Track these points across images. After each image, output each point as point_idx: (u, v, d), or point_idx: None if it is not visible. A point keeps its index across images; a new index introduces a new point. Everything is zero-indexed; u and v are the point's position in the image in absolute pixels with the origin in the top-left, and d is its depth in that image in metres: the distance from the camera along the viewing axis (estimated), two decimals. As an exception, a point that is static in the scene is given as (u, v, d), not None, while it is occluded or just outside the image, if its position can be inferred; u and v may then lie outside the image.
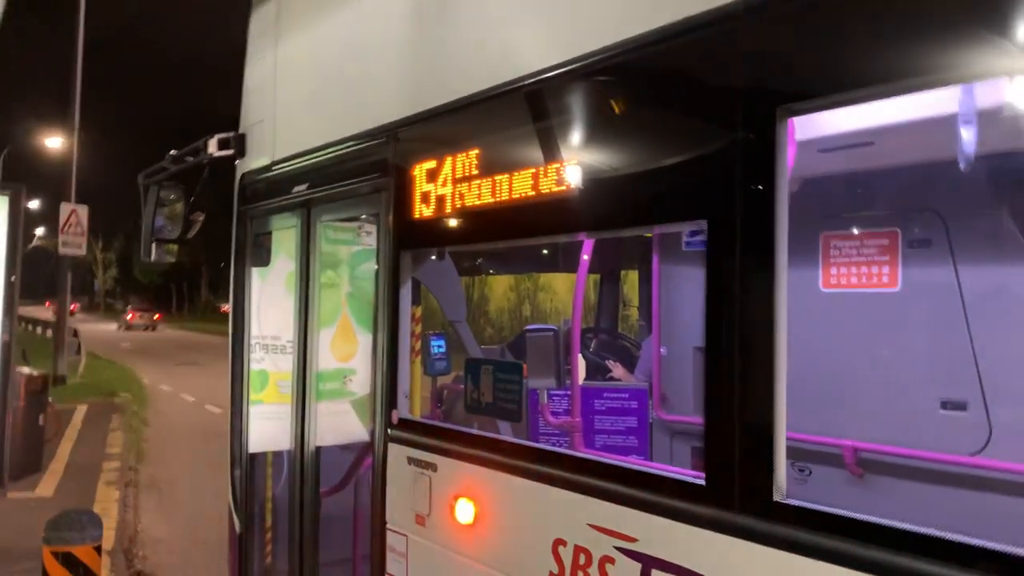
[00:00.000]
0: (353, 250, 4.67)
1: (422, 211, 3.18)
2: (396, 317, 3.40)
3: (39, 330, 38.53)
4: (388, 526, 3.36)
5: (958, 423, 3.48)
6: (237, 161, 4.94)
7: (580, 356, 4.32)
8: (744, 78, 2.06)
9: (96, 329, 52.83)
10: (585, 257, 3.79)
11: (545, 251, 6.07)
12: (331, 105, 4.09)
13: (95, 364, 26.07)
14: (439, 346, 5.11)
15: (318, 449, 4.22)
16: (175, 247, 5.08)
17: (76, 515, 4.85)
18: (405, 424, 3.34)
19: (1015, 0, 1.62)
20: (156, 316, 58.30)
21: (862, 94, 1.88)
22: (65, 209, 18.00)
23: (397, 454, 3.31)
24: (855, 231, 3.85)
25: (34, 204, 54.66)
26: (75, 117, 20.01)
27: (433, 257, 3.66)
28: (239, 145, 4.86)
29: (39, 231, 53.67)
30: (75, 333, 25.99)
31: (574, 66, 2.57)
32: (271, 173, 4.52)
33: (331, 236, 4.50)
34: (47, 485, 9.88)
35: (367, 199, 3.69)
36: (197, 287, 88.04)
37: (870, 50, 1.84)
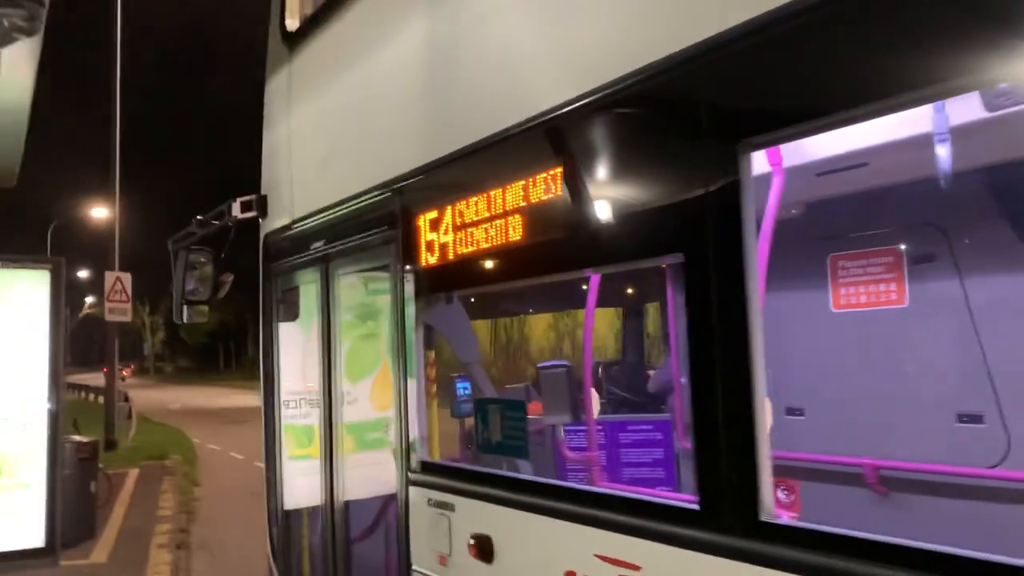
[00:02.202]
0: (426, 296, 4.75)
1: (428, 259, 3.32)
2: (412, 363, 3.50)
3: (91, 397, 39.22)
4: (413, 567, 3.43)
5: (976, 436, 3.47)
6: (261, 221, 5.13)
7: (596, 390, 4.36)
8: (706, 116, 2.15)
9: (146, 393, 53.61)
10: (593, 293, 3.87)
11: (568, 289, 6.15)
12: (341, 164, 4.26)
13: (146, 427, 26.45)
14: (464, 388, 5.18)
15: (352, 499, 4.27)
16: (206, 308, 5.26)
17: None
18: (424, 467, 3.43)
19: (965, 24, 1.67)
20: (124, 372, 75.87)
21: (820, 124, 1.96)
22: (109, 277, 18.46)
23: (418, 496, 3.40)
24: (861, 251, 3.89)
25: (83, 273, 56.24)
26: (115, 186, 20.58)
27: (443, 301, 3.77)
28: (261, 207, 5.05)
29: (89, 299, 54.99)
30: (126, 398, 26.44)
31: (555, 114, 2.70)
32: (291, 231, 4.70)
33: (370, 287, 4.59)
34: (101, 551, 9.93)
35: (378, 251, 3.82)
36: (243, 345, 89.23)
37: (824, 82, 1.92)
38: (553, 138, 2.73)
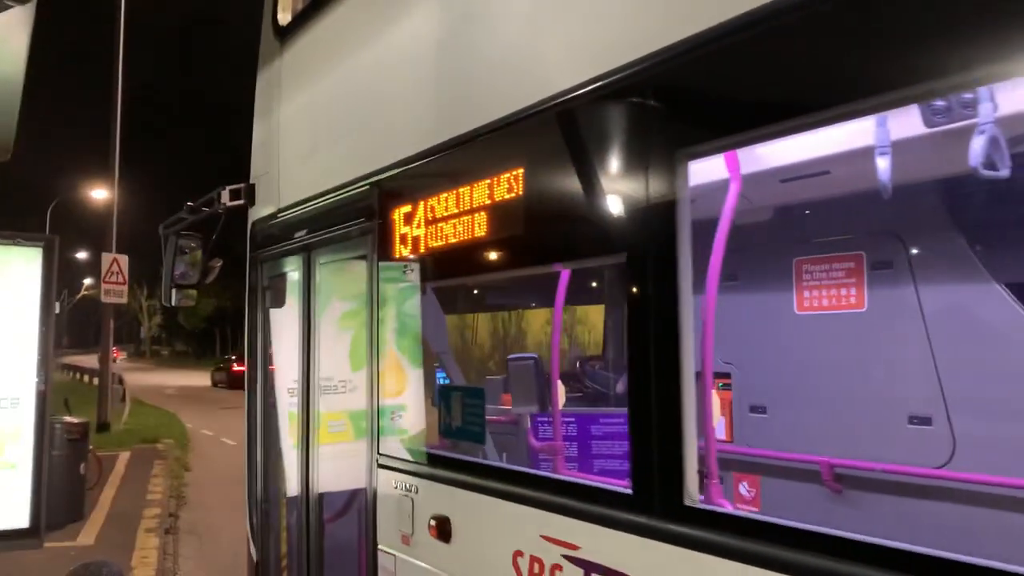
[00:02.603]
0: (400, 287, 4.86)
1: (401, 251, 3.46)
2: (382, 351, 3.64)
3: (86, 378, 39.24)
4: (379, 547, 3.58)
5: (925, 437, 3.61)
6: (249, 209, 5.25)
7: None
8: (647, 128, 2.30)
9: (142, 376, 53.63)
10: (562, 289, 4.01)
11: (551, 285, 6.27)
12: (323, 157, 4.39)
13: (140, 410, 26.50)
14: (444, 378, 5.30)
15: (340, 486, 4.39)
16: (194, 292, 5.39)
17: (95, 566, 4.89)
18: (391, 452, 3.57)
19: (896, 42, 1.76)
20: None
21: (753, 136, 2.09)
22: (106, 259, 18.56)
23: (385, 479, 3.55)
24: (824, 255, 4.03)
25: (83, 255, 56.33)
26: (115, 169, 20.69)
27: (417, 293, 3.90)
28: (249, 195, 5.18)
29: (87, 281, 55.03)
30: (120, 380, 26.53)
31: (516, 119, 2.84)
32: (277, 220, 4.82)
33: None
34: (88, 533, 9.89)
35: (356, 242, 3.96)
36: (240, 331, 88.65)
37: (758, 96, 2.05)
38: (512, 142, 2.88)
